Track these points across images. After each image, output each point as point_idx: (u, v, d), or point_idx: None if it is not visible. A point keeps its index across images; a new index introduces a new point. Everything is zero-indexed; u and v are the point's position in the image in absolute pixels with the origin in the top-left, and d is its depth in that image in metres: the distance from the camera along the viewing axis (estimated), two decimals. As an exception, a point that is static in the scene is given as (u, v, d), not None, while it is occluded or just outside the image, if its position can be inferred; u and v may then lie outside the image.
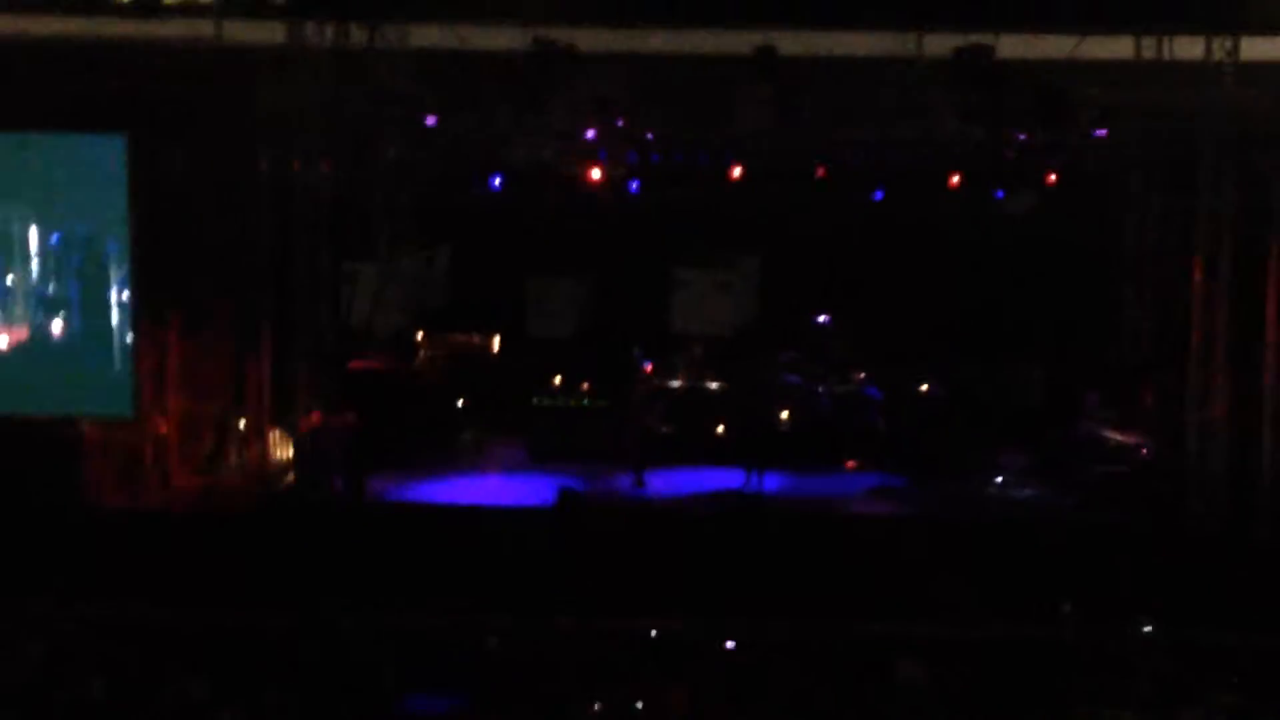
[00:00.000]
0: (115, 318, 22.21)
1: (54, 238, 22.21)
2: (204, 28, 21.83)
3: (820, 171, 24.03)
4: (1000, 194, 24.80)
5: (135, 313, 22.16)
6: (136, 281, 22.18)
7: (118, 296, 22.20)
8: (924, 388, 24.49)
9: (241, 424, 22.84)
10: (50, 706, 15.09)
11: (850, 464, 23.75)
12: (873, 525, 21.79)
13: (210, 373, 22.71)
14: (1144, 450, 22.72)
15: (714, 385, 24.66)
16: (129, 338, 22.19)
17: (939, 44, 21.71)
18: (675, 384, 24.59)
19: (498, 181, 25.20)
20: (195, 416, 22.83)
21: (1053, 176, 24.10)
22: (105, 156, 21.95)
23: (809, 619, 18.71)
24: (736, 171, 24.23)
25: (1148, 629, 17.70)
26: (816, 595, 19.44)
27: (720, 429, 24.08)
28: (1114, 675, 16.34)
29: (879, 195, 24.93)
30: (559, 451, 24.14)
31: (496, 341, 26.37)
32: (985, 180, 24.22)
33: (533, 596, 19.34)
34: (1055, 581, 19.56)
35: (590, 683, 15.93)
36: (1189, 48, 21.71)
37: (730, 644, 17.43)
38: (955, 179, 23.17)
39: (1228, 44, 21.25)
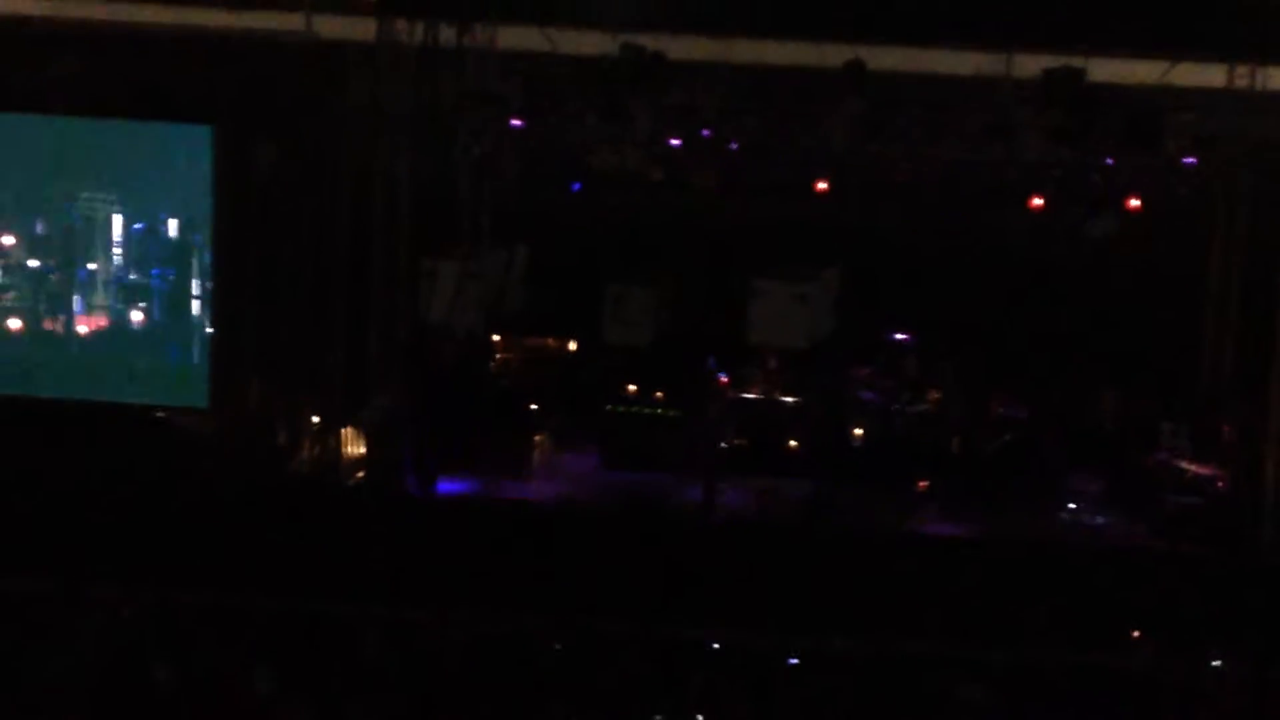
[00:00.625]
0: (195, 308, 22.37)
1: (138, 226, 22.40)
2: (295, 21, 21.99)
3: (903, 185, 23.82)
4: (1092, 215, 24.61)
5: (216, 304, 22.30)
6: (218, 272, 22.34)
7: (199, 287, 22.36)
8: (1001, 410, 24.31)
9: (315, 419, 22.89)
10: (117, 690, 15.23)
11: (922, 484, 23.60)
12: (942, 547, 21.64)
13: (286, 366, 22.75)
14: (1220, 482, 22.50)
15: (788, 399, 24.54)
16: (208, 328, 22.34)
17: (1029, 65, 21.65)
18: (749, 395, 24.48)
19: (579, 186, 25.20)
20: (271, 409, 22.88)
21: (1136, 202, 23.88)
22: (192, 147, 22.12)
23: (871, 638, 18.65)
24: (821, 185, 24.13)
25: (1218, 663, 17.60)
26: (880, 615, 19.41)
27: (793, 443, 23.96)
28: (1184, 708, 16.27)
29: (959, 214, 24.77)
30: (631, 459, 24.13)
31: (573, 346, 26.34)
32: (1070, 203, 24.03)
33: (594, 601, 19.37)
34: (1125, 610, 19.52)
35: (652, 692, 15.95)
36: (1282, 78, 21.63)
37: (793, 660, 17.40)
38: (1038, 200, 22.96)
39: (1321, 74, 21.13)
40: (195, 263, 22.49)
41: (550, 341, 26.34)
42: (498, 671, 16.43)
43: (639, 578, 20.26)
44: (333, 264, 22.58)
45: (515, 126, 23.13)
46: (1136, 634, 18.98)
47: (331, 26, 22.24)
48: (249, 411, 22.84)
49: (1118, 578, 20.42)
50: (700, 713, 15.45)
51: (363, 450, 22.76)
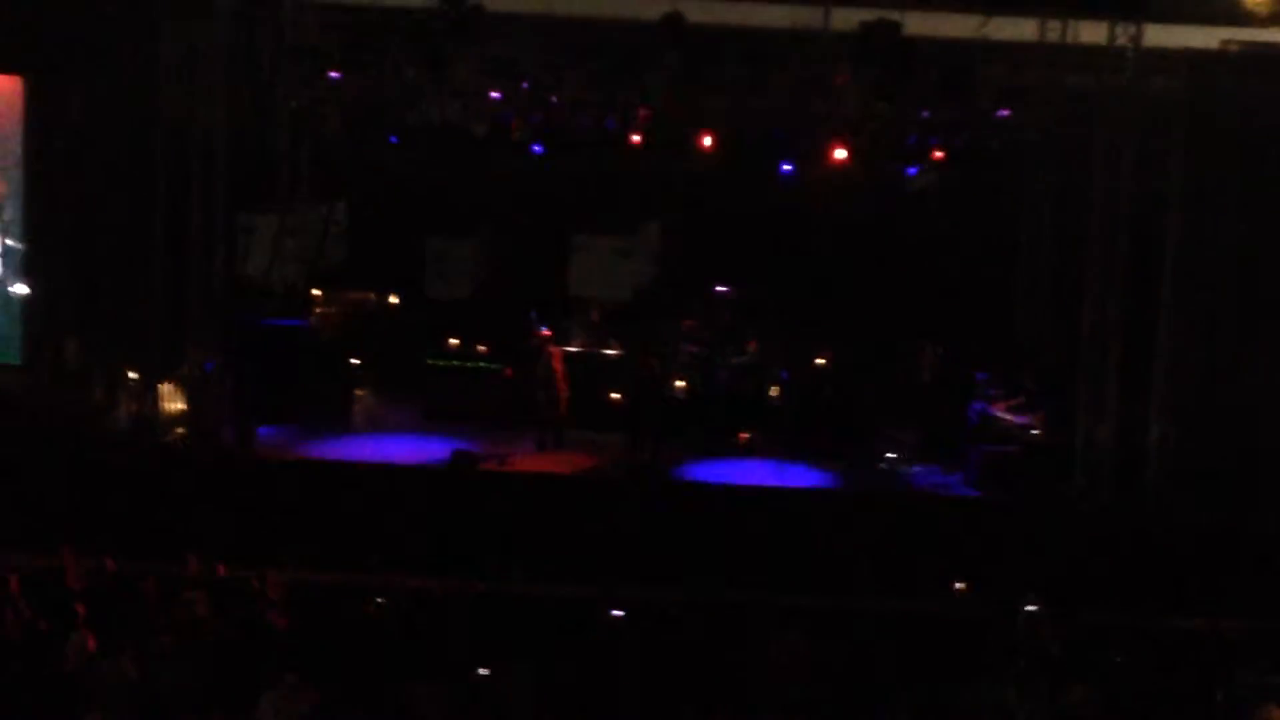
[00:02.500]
0: (1, 265, 21.97)
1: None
2: (110, -31, 21.55)
3: (717, 141, 23.84)
4: (911, 171, 24.88)
5: (28, 259, 21.88)
6: (30, 227, 21.92)
7: (3, 241, 21.93)
8: (819, 361, 24.48)
9: (133, 375, 22.52)
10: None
11: (743, 436, 23.74)
12: (762, 497, 21.78)
13: (102, 322, 22.35)
14: (1034, 430, 22.84)
15: (611, 351, 24.54)
16: (18, 285, 21.95)
17: (847, 18, 21.76)
18: (572, 349, 24.44)
19: (399, 139, 25.06)
20: (87, 366, 22.49)
21: (940, 154, 24.20)
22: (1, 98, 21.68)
23: (692, 587, 18.72)
24: (636, 138, 24.19)
25: (1033, 607, 17.82)
26: (705, 565, 19.50)
27: (616, 395, 23.98)
28: (1000, 652, 16.46)
29: (785, 168, 24.92)
30: (453, 412, 24.05)
31: (393, 300, 26.20)
32: (889, 157, 24.26)
33: (423, 556, 19.30)
34: (941, 558, 19.77)
35: (478, 645, 15.92)
36: (1093, 32, 21.89)
37: (618, 612, 17.42)
38: (843, 152, 23.00)
39: (1131, 30, 21.41)
40: (4, 215, 22.05)
41: (371, 296, 26.18)
42: (320, 625, 16.33)
43: (462, 534, 20.21)
44: (149, 218, 22.17)
45: (334, 80, 22.87)
46: (954, 581, 19.16)
47: (146, -23, 21.81)
48: (64, 368, 22.43)
49: (932, 526, 20.70)
50: (528, 664, 15.45)
51: (181, 406, 22.44)
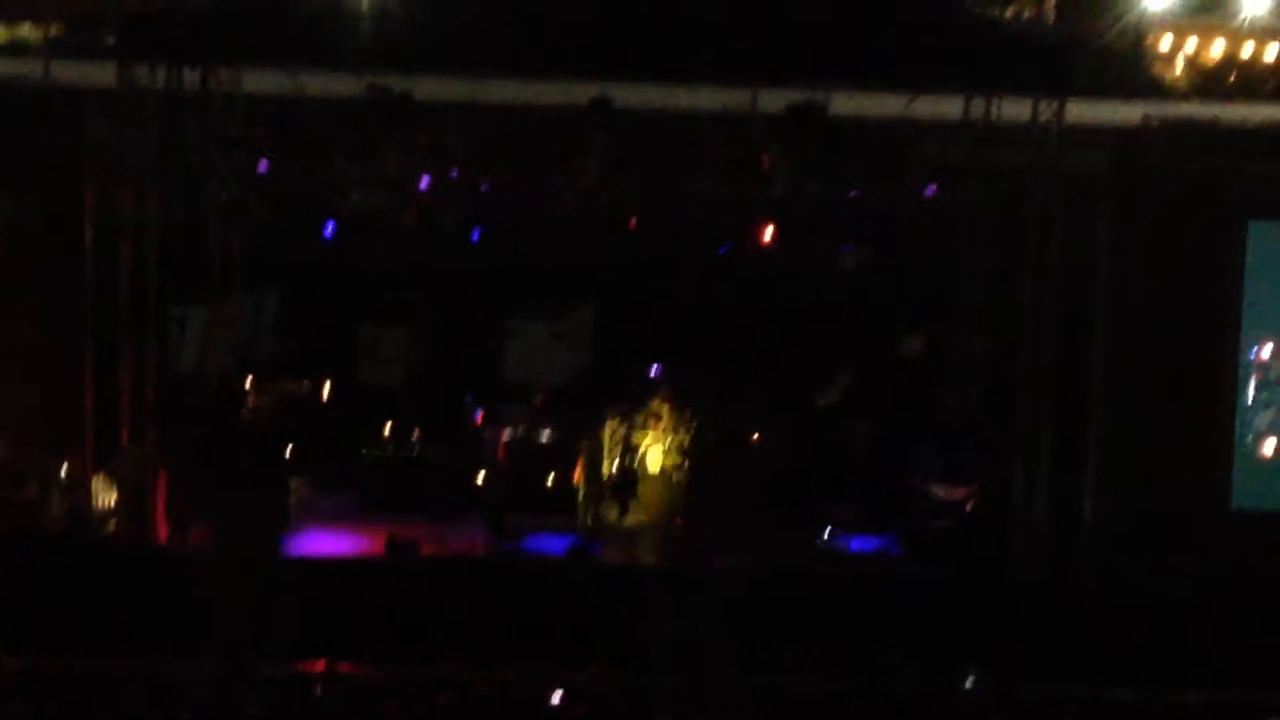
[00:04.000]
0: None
1: None
2: (33, 66, 21.48)
3: (641, 224, 23.86)
4: (845, 249, 24.95)
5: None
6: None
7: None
8: (754, 438, 24.47)
9: (64, 470, 22.31)
10: None
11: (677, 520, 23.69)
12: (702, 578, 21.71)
13: (34, 417, 22.16)
14: (969, 504, 22.89)
15: (547, 436, 24.48)
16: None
17: (774, 101, 21.90)
18: (507, 435, 24.36)
19: (331, 228, 24.97)
20: (18, 462, 22.27)
21: (883, 233, 24.29)
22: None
23: (639, 671, 18.65)
24: (570, 222, 24.21)
25: (973, 681, 17.83)
26: (641, 648, 19.40)
27: (551, 480, 23.91)
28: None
29: (722, 250, 24.95)
30: (389, 503, 23.89)
31: (327, 388, 26.08)
32: (820, 236, 24.31)
33: (366, 644, 19.16)
34: (882, 633, 19.71)
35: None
36: (1016, 110, 22.11)
37: (556, 697, 17.37)
38: (770, 232, 23.10)
39: (1053, 106, 21.64)
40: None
41: (305, 384, 26.02)
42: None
43: (394, 622, 20.07)
44: (80, 313, 22.03)
45: (263, 171, 22.82)
46: (893, 655, 19.14)
47: (70, 73, 21.79)
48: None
49: (870, 601, 20.65)
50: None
51: (113, 502, 22.26)
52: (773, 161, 22.34)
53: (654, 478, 24.38)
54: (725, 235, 24.41)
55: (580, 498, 23.82)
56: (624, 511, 23.90)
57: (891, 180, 22.67)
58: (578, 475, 23.92)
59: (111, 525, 22.20)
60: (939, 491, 23.07)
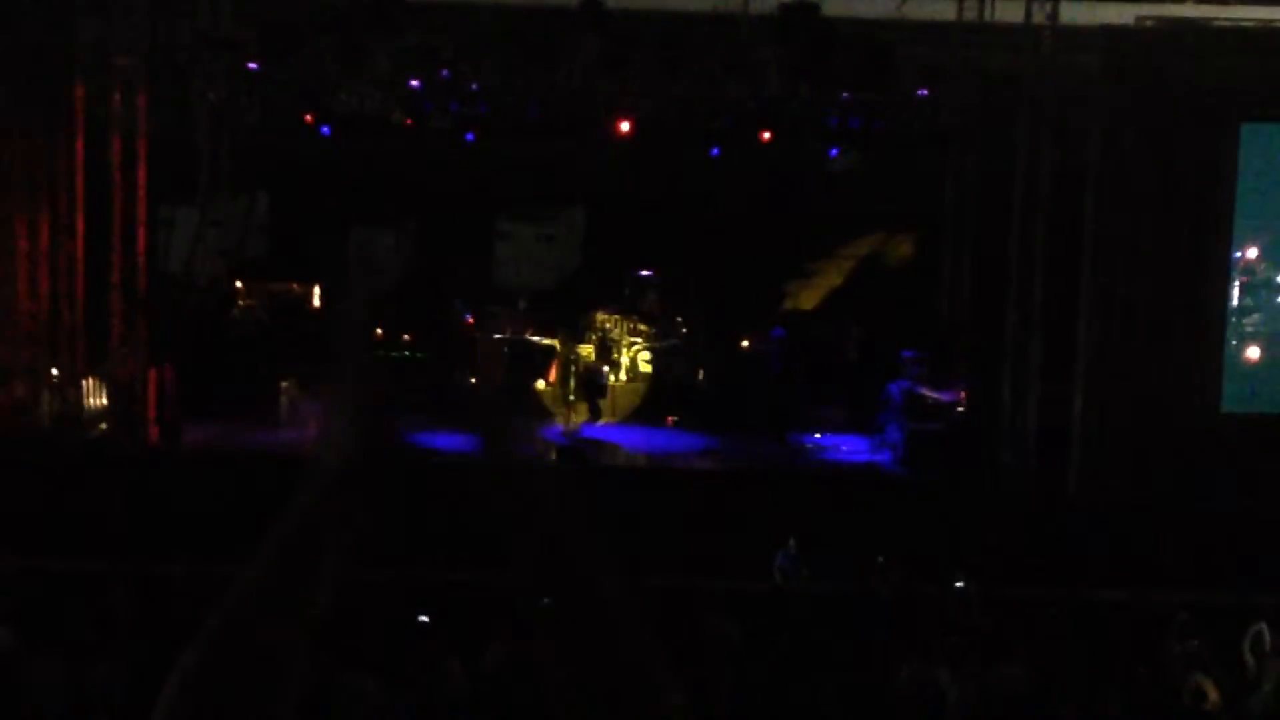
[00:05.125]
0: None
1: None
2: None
3: (636, 127, 23.72)
4: (833, 152, 24.81)
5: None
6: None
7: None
8: (744, 343, 24.42)
9: (55, 371, 22.20)
10: None
11: (670, 419, 23.67)
12: (691, 479, 21.71)
13: (23, 319, 22.01)
14: (959, 407, 22.86)
15: (538, 339, 24.39)
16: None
17: (765, 2, 21.69)
18: (499, 336, 24.28)
19: (325, 130, 24.78)
20: (8, 363, 22.13)
21: (873, 134, 24.16)
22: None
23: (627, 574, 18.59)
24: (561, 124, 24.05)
25: (961, 584, 17.79)
26: (636, 550, 19.35)
27: (541, 384, 23.86)
28: (931, 631, 16.39)
29: (714, 152, 24.79)
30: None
31: (317, 291, 25.94)
32: (811, 138, 24.18)
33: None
34: (872, 537, 19.66)
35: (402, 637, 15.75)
36: (1010, 11, 21.89)
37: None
38: (766, 135, 23.00)
39: (1047, 8, 21.42)
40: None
41: (295, 287, 25.88)
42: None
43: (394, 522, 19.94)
44: (68, 213, 21.84)
45: (252, 70, 22.61)
46: (880, 560, 19.09)
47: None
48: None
49: (860, 505, 20.63)
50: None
51: (104, 402, 22.15)
52: (763, 63, 22.18)
53: (644, 379, 24.36)
54: (715, 137, 24.30)
55: (566, 399, 23.75)
56: (598, 414, 23.83)
57: (882, 83, 22.49)
58: (552, 376, 23.83)
59: (101, 426, 22.09)
60: (929, 395, 23.03)
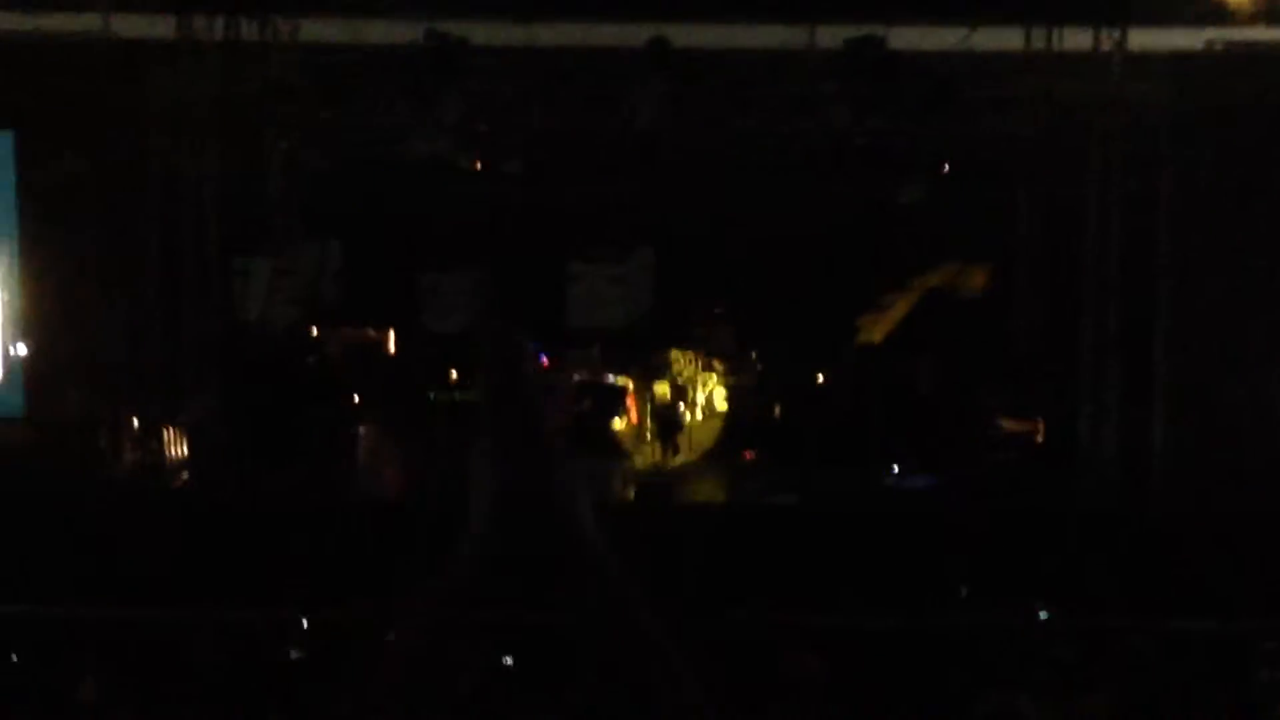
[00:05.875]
0: (1, 317, 21.75)
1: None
2: (92, 21, 21.43)
3: (698, 163, 23.74)
4: (903, 186, 24.74)
5: (26, 312, 21.67)
6: (26, 280, 21.73)
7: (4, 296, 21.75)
8: (819, 379, 24.32)
9: (135, 422, 22.30)
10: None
11: (747, 454, 23.60)
12: (770, 515, 21.57)
13: (102, 372, 22.12)
14: (1036, 437, 22.68)
15: (613, 379, 24.41)
16: (18, 339, 21.73)
17: (831, 36, 21.67)
18: (576, 378, 24.30)
19: (392, 176, 24.91)
20: (89, 416, 22.24)
21: (945, 167, 24.07)
22: (-6, 154, 21.52)
23: (701, 611, 18.46)
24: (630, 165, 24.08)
25: (1045, 614, 17.64)
26: (717, 586, 19.24)
27: (618, 424, 23.86)
28: (1013, 662, 16.25)
29: (781, 187, 24.76)
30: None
31: (392, 336, 25.96)
32: (879, 172, 24.12)
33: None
34: (952, 570, 19.51)
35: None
36: (1077, 39, 21.79)
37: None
38: (834, 169, 22.99)
39: (1115, 35, 21.30)
40: (1, 271, 21.86)
41: (370, 332, 25.91)
42: (332, 670, 16.08)
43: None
44: (144, 266, 21.98)
45: (321, 119, 22.73)
46: (962, 590, 18.98)
47: (130, 25, 21.69)
48: (67, 418, 22.20)
49: (939, 538, 20.46)
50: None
51: (185, 452, 22.23)
52: (830, 98, 22.16)
53: (719, 417, 24.23)
54: (782, 172, 24.28)
55: (644, 439, 23.75)
56: (676, 451, 23.81)
57: (950, 114, 22.41)
58: (634, 417, 23.77)
59: (182, 475, 22.16)
60: (1005, 425, 22.87)
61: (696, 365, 24.79)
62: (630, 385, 24.40)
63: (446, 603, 3.61)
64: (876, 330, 25.45)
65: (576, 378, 24.23)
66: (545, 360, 23.80)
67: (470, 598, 3.46)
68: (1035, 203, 24.83)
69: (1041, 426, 22.77)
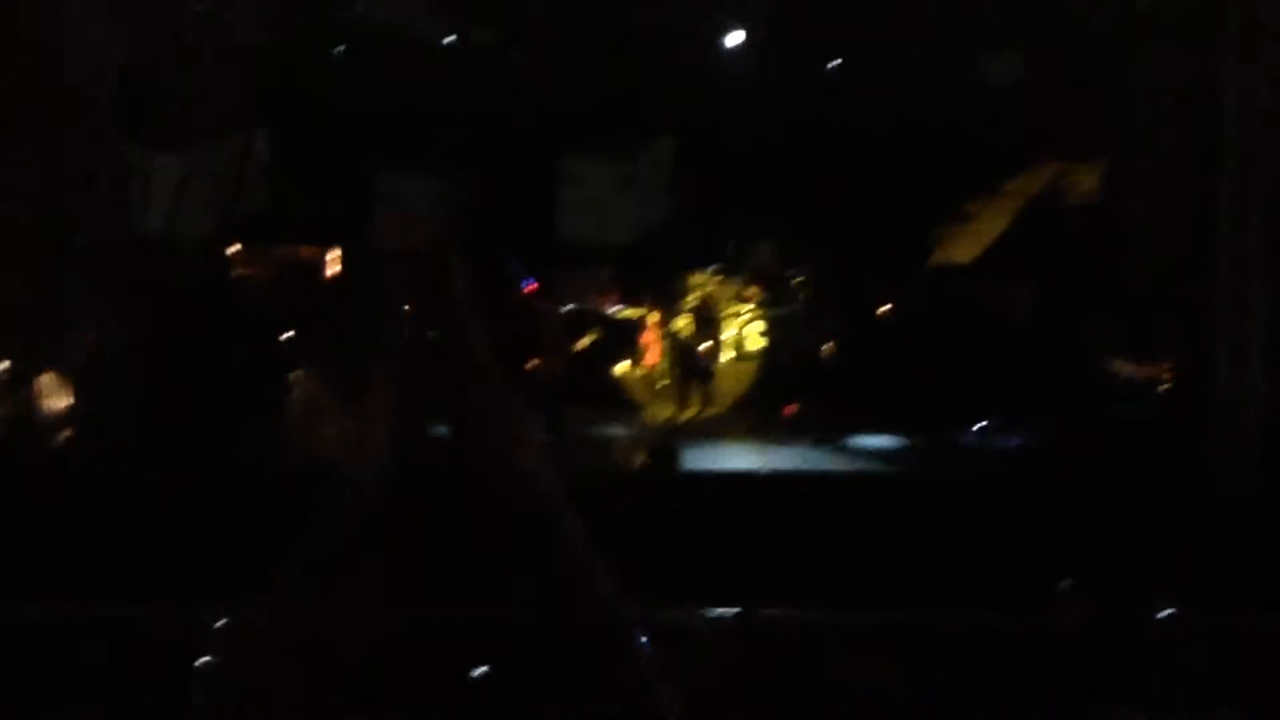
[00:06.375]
0: None
1: None
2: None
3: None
4: (993, 57, 24.78)
5: None
6: None
7: None
8: (882, 310, 24.29)
9: (4, 366, 22.21)
10: None
11: (789, 408, 23.61)
12: (816, 486, 21.50)
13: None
14: (1161, 385, 22.68)
15: (616, 309, 24.47)
16: None
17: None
18: (570, 308, 24.38)
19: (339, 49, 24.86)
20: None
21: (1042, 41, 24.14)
22: None
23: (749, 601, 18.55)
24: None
25: (1168, 612, 17.61)
26: (744, 574, 19.26)
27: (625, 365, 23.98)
28: (1127, 670, 16.30)
29: (836, 64, 24.76)
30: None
31: (334, 256, 25.77)
32: (961, 41, 24.15)
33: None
34: (1053, 556, 19.43)
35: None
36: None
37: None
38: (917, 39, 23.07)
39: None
40: None
41: (307, 250, 25.83)
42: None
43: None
44: (15, 162, 21.82)
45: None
46: (1064, 584, 18.96)
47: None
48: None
49: (1037, 515, 20.41)
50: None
51: (68, 402, 22.16)
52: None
53: (754, 358, 24.32)
54: (837, 46, 24.31)
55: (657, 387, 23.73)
56: (700, 403, 23.92)
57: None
58: (652, 358, 23.63)
59: (63, 433, 22.09)
60: (1122, 371, 22.88)
61: (726, 293, 24.67)
62: (643, 318, 24.27)
63: (309, 584, 3.60)
64: (957, 247, 25.42)
65: (570, 307, 24.03)
66: (532, 285, 23.78)
67: (351, 567, 3.50)
68: (1157, 84, 24.68)
69: (1168, 371, 22.71)
